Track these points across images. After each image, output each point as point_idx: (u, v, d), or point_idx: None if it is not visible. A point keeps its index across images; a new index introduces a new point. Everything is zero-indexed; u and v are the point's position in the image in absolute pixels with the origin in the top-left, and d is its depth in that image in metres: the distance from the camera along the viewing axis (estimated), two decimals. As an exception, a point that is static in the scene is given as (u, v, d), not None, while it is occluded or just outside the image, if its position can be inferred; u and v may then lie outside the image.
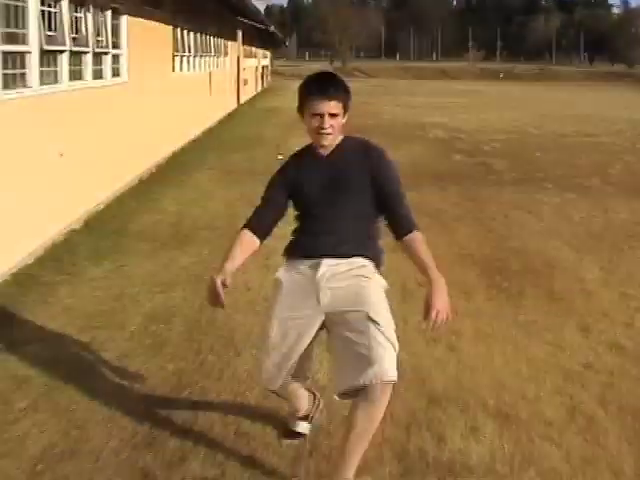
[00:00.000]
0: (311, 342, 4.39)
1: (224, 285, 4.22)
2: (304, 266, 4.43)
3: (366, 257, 4.43)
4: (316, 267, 4.37)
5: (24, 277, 8.46)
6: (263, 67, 64.14)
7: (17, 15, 9.03)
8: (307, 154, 4.57)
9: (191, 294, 7.76)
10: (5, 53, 8.67)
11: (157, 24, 17.35)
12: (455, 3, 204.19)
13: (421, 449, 4.77)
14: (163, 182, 14.89)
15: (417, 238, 4.36)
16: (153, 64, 17.10)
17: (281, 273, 4.52)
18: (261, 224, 4.52)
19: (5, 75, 8.67)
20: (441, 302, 4.07)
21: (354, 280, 4.33)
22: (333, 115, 4.35)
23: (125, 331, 6.90)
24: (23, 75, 9.28)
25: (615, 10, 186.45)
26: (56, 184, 10.00)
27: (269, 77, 67.91)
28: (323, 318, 4.32)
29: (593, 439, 5.01)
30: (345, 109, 4.42)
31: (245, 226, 4.52)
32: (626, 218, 12.44)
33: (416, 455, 4.69)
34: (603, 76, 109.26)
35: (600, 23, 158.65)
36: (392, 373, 4.04)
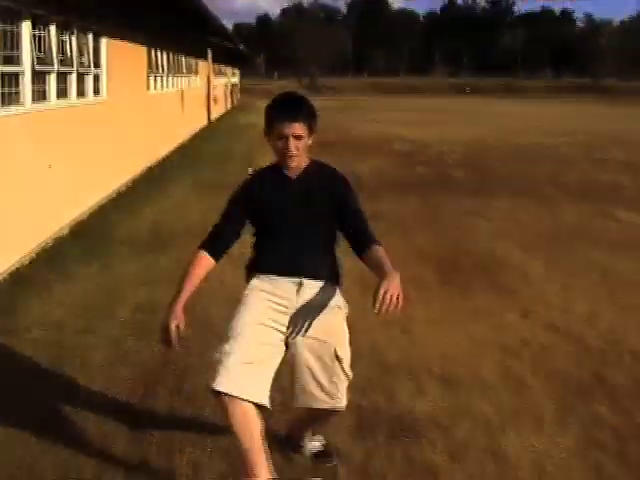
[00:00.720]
0: (276, 361, 4.39)
1: (177, 329, 4.32)
2: (282, 279, 4.48)
3: (336, 280, 4.60)
4: (297, 284, 4.46)
5: (20, 277, 9.31)
6: (233, 85, 64.70)
7: (13, 39, 9.92)
8: (272, 174, 4.62)
9: (171, 290, 8.61)
10: (2, 74, 9.54)
11: (133, 45, 18.24)
12: (422, 19, 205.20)
13: (374, 407, 5.64)
14: (141, 193, 15.73)
15: (380, 249, 4.38)
16: (130, 83, 17.98)
17: (254, 282, 4.56)
18: (218, 244, 4.56)
19: (2, 94, 9.54)
20: (391, 284, 4.00)
21: (327, 307, 4.45)
22: (298, 137, 4.43)
23: (115, 320, 7.77)
24: (17, 94, 10.14)
25: (579, 24, 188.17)
26: (45, 194, 10.85)
27: (239, 95, 68.41)
28: (288, 338, 4.42)
29: (521, 396, 5.95)
30: (311, 131, 4.50)
31: (202, 247, 4.56)
32: (572, 220, 13.39)
33: (370, 411, 5.55)
34: (568, 89, 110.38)
35: (565, 37, 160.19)
36: (343, 403, 4.48)
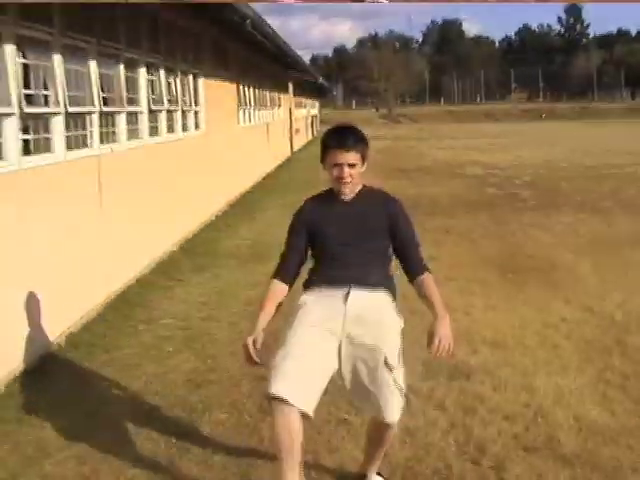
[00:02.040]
0: (329, 371, 4.61)
1: (254, 345, 4.56)
2: (331, 291, 4.70)
3: (386, 289, 4.79)
4: (345, 293, 4.66)
5: (145, 282, 11.19)
6: (312, 116, 66.29)
7: (134, 83, 11.90)
8: (327, 198, 4.90)
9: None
10: (129, 113, 11.49)
11: (225, 83, 20.24)
12: (497, 45, 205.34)
13: (438, 361, 7.26)
14: (237, 216, 17.68)
15: (429, 278, 4.77)
16: (223, 117, 20.00)
17: (305, 297, 4.80)
18: (288, 271, 4.86)
19: (129, 130, 11.50)
20: (443, 331, 4.49)
21: (377, 314, 4.67)
22: (352, 165, 4.69)
23: (229, 311, 9.57)
24: (136, 130, 12.07)
25: None
26: (159, 215, 12.72)
27: (318, 126, 69.91)
28: (341, 346, 4.61)
29: (553, 354, 7.61)
30: (363, 159, 4.79)
31: (274, 276, 4.87)
32: (626, 230, 14.84)
33: (434, 364, 7.18)
34: None
35: None
36: (393, 417, 4.59)
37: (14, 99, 7.52)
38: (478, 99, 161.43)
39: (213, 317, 9.25)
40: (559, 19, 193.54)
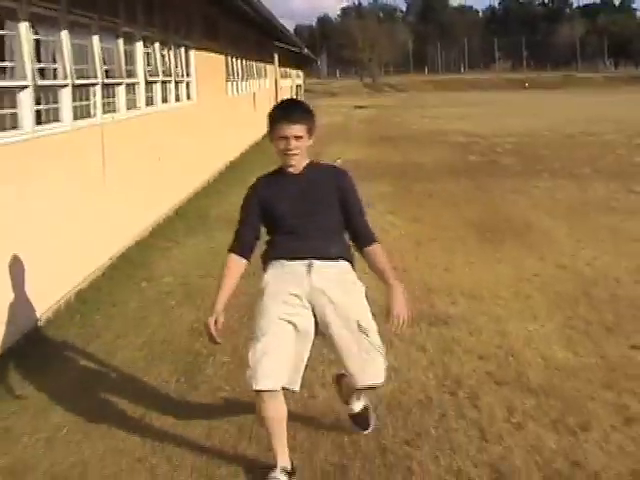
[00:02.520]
0: (305, 348, 4.77)
1: (216, 324, 4.75)
2: (293, 264, 4.84)
3: (346, 259, 4.96)
4: (307, 267, 4.81)
5: (145, 244, 11.86)
6: (297, 86, 66.69)
7: (132, 56, 12.51)
8: (278, 175, 5.00)
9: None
10: (127, 84, 12.12)
11: (214, 55, 20.84)
12: (481, 15, 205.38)
13: (420, 311, 7.91)
14: (227, 183, 18.30)
15: (377, 249, 4.92)
16: (213, 88, 20.61)
17: (267, 276, 4.92)
18: (244, 245, 4.97)
19: (128, 100, 12.12)
20: (400, 306, 4.66)
21: (342, 284, 4.83)
22: (297, 137, 4.82)
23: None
24: (134, 100, 12.69)
25: (639, 14, 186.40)
26: (156, 183, 13.35)
27: (303, 96, 70.41)
28: (314, 319, 4.78)
29: (525, 304, 8.33)
30: (310, 132, 4.93)
31: (231, 250, 5.01)
32: (599, 195, 15.55)
33: (416, 313, 7.76)
34: (627, 80, 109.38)
35: (624, 28, 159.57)
36: (378, 378, 4.74)
37: (29, 72, 8.14)
38: (462, 69, 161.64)
39: (210, 274, 9.85)
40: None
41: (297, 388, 4.74)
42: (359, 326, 4.69)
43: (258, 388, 4.57)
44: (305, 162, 4.98)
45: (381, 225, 11.64)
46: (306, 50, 53.86)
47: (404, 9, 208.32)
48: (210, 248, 11.50)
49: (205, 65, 19.02)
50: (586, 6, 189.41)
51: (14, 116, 8.02)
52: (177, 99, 16.00)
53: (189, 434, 5.55)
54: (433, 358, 6.77)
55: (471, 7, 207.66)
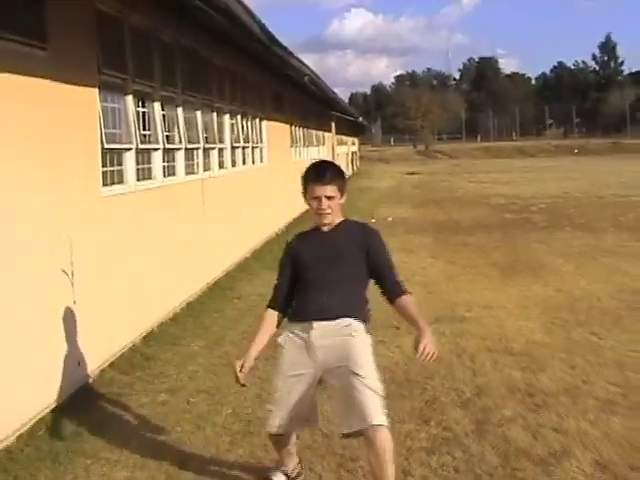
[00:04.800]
0: (313, 394, 5.26)
1: (241, 369, 5.20)
2: (298, 329, 5.19)
3: (351, 316, 5.16)
4: (308, 330, 5.13)
5: (230, 276, 14.89)
6: (352, 152, 68.72)
7: (220, 129, 15.74)
8: (311, 233, 5.35)
9: None
10: (220, 149, 15.31)
11: (281, 124, 24.15)
12: (533, 82, 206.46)
13: (444, 315, 10.76)
14: (293, 232, 21.30)
15: (408, 299, 5.16)
16: (280, 153, 23.96)
17: (281, 338, 5.30)
18: (279, 300, 5.37)
19: (220, 161, 15.32)
20: (427, 338, 4.84)
21: (340, 338, 5.08)
22: (330, 197, 5.05)
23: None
24: (222, 162, 15.86)
25: None
26: (239, 229, 16.45)
27: (358, 162, 71.91)
28: (320, 373, 5.15)
29: (523, 312, 11.22)
30: (341, 192, 5.16)
31: (268, 306, 5.42)
32: (610, 243, 18.23)
33: (441, 316, 10.71)
34: None
35: None
36: (377, 418, 4.84)
37: (160, 138, 11.33)
38: (514, 135, 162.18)
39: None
40: (593, 56, 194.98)
41: (318, 423, 5.61)
42: (349, 369, 4.95)
43: (270, 432, 5.40)
44: (339, 220, 5.25)
45: (422, 265, 14.80)
46: (360, 118, 56.76)
47: (457, 76, 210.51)
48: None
49: (274, 133, 22.35)
50: (637, 72, 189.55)
51: (149, 170, 11.13)
52: (253, 162, 19.31)
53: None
54: (448, 338, 9.65)
55: (523, 75, 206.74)
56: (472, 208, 28.44)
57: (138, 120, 10.56)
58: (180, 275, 11.88)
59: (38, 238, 7.39)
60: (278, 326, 5.42)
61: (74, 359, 7.92)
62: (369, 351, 5.12)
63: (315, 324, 5.08)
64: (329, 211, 5.10)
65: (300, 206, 27.53)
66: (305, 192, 5.19)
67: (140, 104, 10.76)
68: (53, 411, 7.37)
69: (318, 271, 5.13)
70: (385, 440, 4.83)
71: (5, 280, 6.69)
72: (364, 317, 5.23)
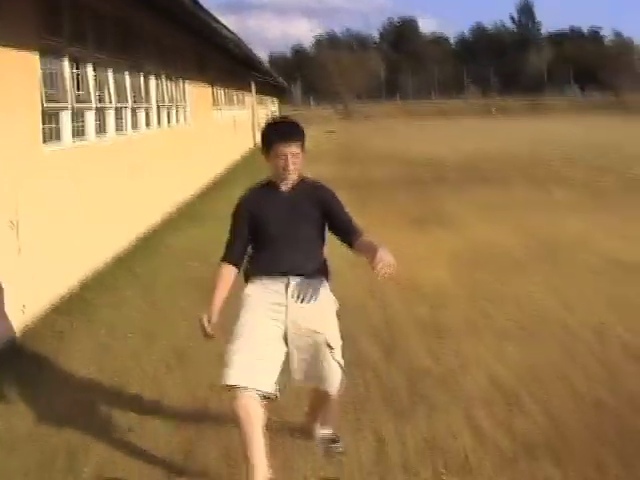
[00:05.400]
0: (280, 356, 4.92)
1: (209, 322, 4.98)
2: (271, 282, 5.02)
3: (322, 276, 5.15)
4: (284, 283, 5.00)
5: (157, 230, 15.67)
6: (272, 112, 70.01)
7: (147, 90, 16.43)
8: (267, 188, 5.18)
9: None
10: (147, 109, 16.01)
11: (203, 86, 24.92)
12: (452, 43, 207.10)
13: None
14: (216, 189, 22.41)
15: (365, 236, 5.06)
16: (203, 114, 24.74)
17: (248, 289, 5.10)
18: (234, 255, 5.15)
19: (147, 121, 16.02)
20: (384, 251, 4.67)
21: (313, 299, 4.97)
22: (295, 154, 4.99)
23: (217, 249, 13.91)
24: (149, 121, 16.61)
25: (608, 39, 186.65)
26: (163, 187, 17.19)
27: None
28: (286, 333, 4.94)
29: (433, 251, 12.13)
30: (303, 148, 5.09)
31: (222, 260, 5.18)
32: (517, 195, 19.40)
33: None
34: (591, 107, 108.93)
35: (591, 56, 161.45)
36: (334, 389, 5.02)
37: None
38: (432, 96, 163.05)
39: (210, 246, 13.45)
40: (512, 17, 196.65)
41: (271, 391, 4.85)
42: (326, 341, 4.89)
43: (229, 383, 4.76)
44: (296, 179, 5.16)
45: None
46: (280, 79, 57.27)
47: (377, 38, 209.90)
48: (205, 233, 15.11)
49: (196, 94, 23.15)
50: (554, 34, 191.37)
51: (83, 128, 11.94)
52: (177, 121, 20.12)
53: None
54: (363, 281, 10.31)
55: (442, 35, 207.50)
56: (389, 165, 29.30)
57: (72, 82, 11.31)
58: (111, 228, 12.65)
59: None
60: (232, 281, 5.19)
61: (19, 303, 8.71)
62: (336, 319, 5.12)
63: (291, 279, 5.01)
64: (294, 168, 5.05)
65: (222, 164, 28.45)
66: (267, 150, 5.07)
67: (74, 67, 11.49)
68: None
69: (281, 226, 5.06)
70: (334, 401, 5.28)
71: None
72: (328, 277, 5.25)
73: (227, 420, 5.42)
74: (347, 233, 5.09)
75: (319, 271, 5.14)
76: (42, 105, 9.86)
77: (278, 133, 5.07)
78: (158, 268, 12.33)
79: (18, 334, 8.63)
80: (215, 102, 28.16)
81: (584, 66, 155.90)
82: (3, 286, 8.10)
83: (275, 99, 77.64)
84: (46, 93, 10.04)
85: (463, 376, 7.08)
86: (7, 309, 8.30)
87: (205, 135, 24.59)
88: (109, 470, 5.47)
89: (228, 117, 32.63)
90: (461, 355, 7.68)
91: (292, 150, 5.01)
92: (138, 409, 6.58)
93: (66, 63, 10.92)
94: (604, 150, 33.53)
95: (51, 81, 10.43)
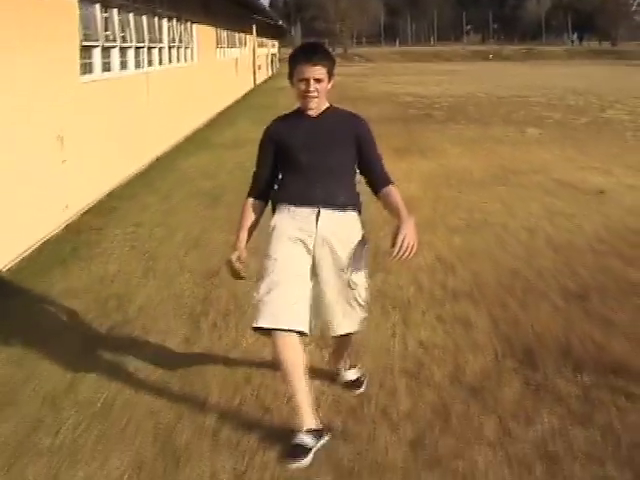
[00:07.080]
0: (307, 291, 4.73)
1: (239, 260, 4.79)
2: (300, 210, 4.76)
3: (355, 208, 4.89)
4: (315, 214, 4.74)
5: (170, 155, 17.62)
6: (272, 55, 71.15)
7: (159, 29, 18.35)
8: (295, 116, 4.94)
9: (249, 159, 8.33)
10: (160, 48, 17.93)
11: (208, 27, 26.80)
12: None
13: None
14: (220, 124, 24.32)
15: (394, 189, 4.86)
16: (207, 53, 26.67)
17: (274, 220, 4.86)
18: (260, 188, 4.97)
19: (160, 59, 17.96)
20: (407, 230, 4.47)
21: (346, 234, 4.79)
22: (318, 80, 4.67)
23: (226, 167, 15.89)
24: (162, 58, 18.55)
25: None
26: (174, 117, 19.16)
27: (278, 64, 73.94)
28: (312, 260, 4.76)
29: (408, 177, 14.08)
30: (330, 75, 4.74)
31: (249, 194, 4.99)
32: (495, 133, 21.16)
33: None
34: (587, 54, 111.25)
35: (588, 3, 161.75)
36: (353, 328, 4.95)
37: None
38: (432, 40, 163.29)
39: (218, 168, 15.59)
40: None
41: (307, 331, 4.71)
42: (350, 279, 4.75)
43: (265, 326, 4.59)
44: (325, 106, 4.90)
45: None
46: (280, 22, 58.53)
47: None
48: (214, 158, 17.24)
49: (202, 35, 25.07)
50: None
51: (109, 64, 13.89)
52: (185, 60, 22.10)
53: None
54: None
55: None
56: (380, 105, 30.70)
57: (102, 23, 13.30)
58: (133, 149, 14.73)
59: (36, 110, 9.99)
60: (261, 215, 5.04)
61: (63, 203, 10.82)
62: (366, 259, 4.95)
63: (323, 211, 4.74)
64: (316, 94, 4.74)
65: (223, 102, 30.36)
66: (292, 73, 4.79)
67: (104, 11, 13.46)
68: (49, 240, 10.18)
69: (311, 154, 4.78)
70: (352, 340, 5.33)
71: (6, 144, 9.12)
72: (360, 206, 4.98)
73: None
74: (376, 177, 4.96)
75: (352, 204, 4.88)
76: (80, 42, 11.84)
77: (303, 54, 4.78)
78: (173, 184, 14.23)
79: (63, 227, 10.72)
80: (218, 43, 30.08)
81: (583, 15, 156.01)
82: (50, 189, 10.22)
83: (275, 42, 78.58)
84: (83, 33, 12.04)
85: (415, 256, 8.94)
86: (53, 207, 10.44)
87: (210, 73, 26.58)
88: (148, 306, 7.52)
89: (230, 58, 34.61)
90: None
91: (315, 74, 4.69)
92: (164, 276, 8.61)
93: (97, 6, 12.91)
94: (585, 94, 35.27)
95: (86, 22, 12.38)
